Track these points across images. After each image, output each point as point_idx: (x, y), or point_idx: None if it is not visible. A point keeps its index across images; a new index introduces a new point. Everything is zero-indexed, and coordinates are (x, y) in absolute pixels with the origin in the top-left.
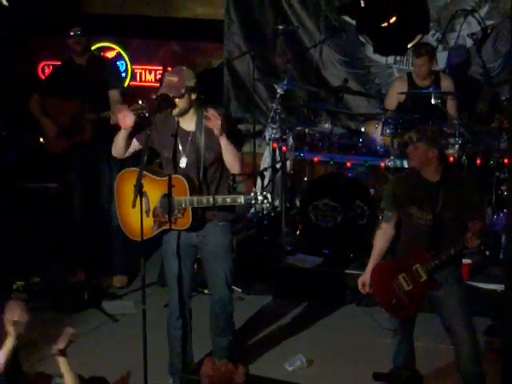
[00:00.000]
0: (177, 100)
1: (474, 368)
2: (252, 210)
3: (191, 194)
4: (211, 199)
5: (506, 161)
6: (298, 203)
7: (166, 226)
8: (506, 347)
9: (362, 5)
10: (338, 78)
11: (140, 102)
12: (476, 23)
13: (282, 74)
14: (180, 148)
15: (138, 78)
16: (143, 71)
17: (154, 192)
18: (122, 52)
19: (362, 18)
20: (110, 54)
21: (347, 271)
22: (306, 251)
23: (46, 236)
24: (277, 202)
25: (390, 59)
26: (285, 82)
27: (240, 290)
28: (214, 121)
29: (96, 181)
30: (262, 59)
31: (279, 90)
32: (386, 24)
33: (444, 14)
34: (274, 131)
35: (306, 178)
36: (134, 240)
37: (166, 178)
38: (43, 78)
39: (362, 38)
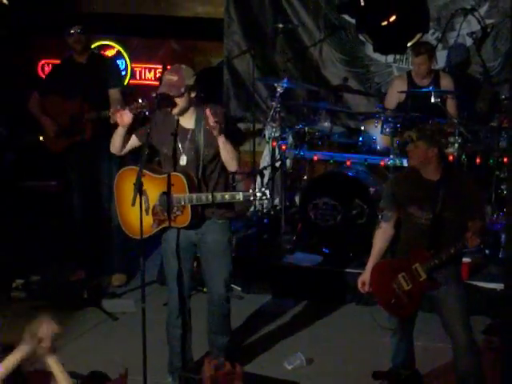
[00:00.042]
0: (177, 99)
1: (471, 368)
2: (252, 209)
3: (190, 192)
4: (210, 196)
5: (505, 160)
6: (297, 202)
7: (166, 224)
8: (504, 346)
9: (362, 3)
10: (338, 76)
11: (140, 101)
12: (476, 22)
13: (281, 72)
14: (179, 146)
15: (138, 77)
16: (143, 70)
17: (154, 190)
18: (122, 50)
19: (361, 17)
20: (110, 53)
21: (347, 270)
22: (306, 250)
23: (46, 234)
24: (276, 201)
25: (390, 58)
26: (284, 81)
27: (239, 288)
28: (213, 120)
29: (96, 180)
30: (261, 58)
31: (279, 89)
32: (385, 23)
33: (444, 13)
34: (274, 130)
35: (305, 177)
36: (133, 238)
37: (165, 176)
38: (43, 76)
39: (361, 37)
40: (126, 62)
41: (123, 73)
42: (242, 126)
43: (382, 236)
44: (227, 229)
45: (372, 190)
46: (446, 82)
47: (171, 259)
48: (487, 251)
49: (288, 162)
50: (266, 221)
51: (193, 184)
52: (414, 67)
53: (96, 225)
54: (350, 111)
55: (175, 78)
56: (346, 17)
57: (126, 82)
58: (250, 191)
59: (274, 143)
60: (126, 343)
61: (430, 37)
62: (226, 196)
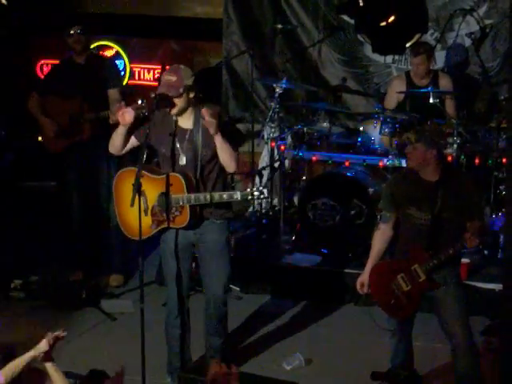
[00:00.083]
0: (175, 99)
1: (470, 369)
2: (250, 209)
3: (188, 192)
4: (208, 196)
5: (504, 160)
6: (296, 202)
7: (165, 225)
8: (503, 347)
9: (361, 4)
10: (337, 77)
11: (139, 102)
12: (475, 22)
13: (280, 73)
14: (178, 146)
15: (137, 77)
16: (142, 70)
17: (152, 191)
18: (121, 51)
19: (360, 18)
20: (109, 53)
21: (345, 270)
22: (305, 250)
23: (45, 235)
24: (275, 201)
25: (389, 58)
26: (283, 81)
27: (238, 288)
28: (209, 119)
29: (94, 180)
30: (260, 58)
31: (278, 89)
32: (384, 23)
33: (443, 14)
34: (273, 130)
35: (304, 177)
36: (132, 239)
37: (163, 176)
38: (42, 76)
39: (360, 38)
40: (124, 62)
41: (122, 73)
42: (240, 126)
43: (380, 237)
44: (225, 229)
45: (371, 190)
46: (445, 82)
47: (170, 260)
48: (486, 252)
49: (287, 162)
50: (264, 221)
51: (191, 184)
52: (412, 67)
53: (94, 225)
54: (349, 112)
55: (174, 78)
56: (345, 17)
57: (124, 83)
58: (248, 190)
59: (273, 143)
60: (125, 343)
61: (429, 37)
62: (224, 196)
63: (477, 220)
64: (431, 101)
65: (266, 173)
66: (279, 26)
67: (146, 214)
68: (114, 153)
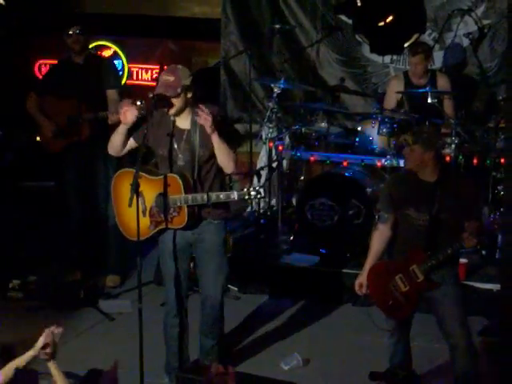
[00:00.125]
0: (173, 99)
1: (468, 369)
2: (248, 209)
3: (186, 192)
4: (205, 196)
5: (502, 160)
6: (294, 202)
7: (163, 226)
8: (502, 347)
9: (359, 4)
10: (335, 77)
11: (138, 103)
12: (473, 23)
13: (278, 73)
14: (175, 146)
15: (135, 77)
16: (140, 70)
17: (150, 192)
18: (119, 51)
19: (358, 18)
20: (107, 53)
21: (344, 270)
22: (303, 250)
23: (43, 235)
24: (273, 202)
25: (387, 58)
26: (281, 82)
27: (236, 288)
28: (205, 118)
29: (92, 180)
30: (258, 58)
31: (276, 90)
32: (382, 23)
33: (441, 14)
34: (271, 130)
35: (302, 177)
36: (130, 239)
37: (161, 177)
38: (40, 76)
39: (358, 38)
40: (122, 62)
41: (120, 73)
42: (238, 126)
43: (379, 238)
44: (222, 229)
45: (369, 190)
46: (443, 82)
47: (168, 260)
48: (484, 252)
49: (285, 162)
50: (262, 221)
51: (188, 185)
52: (410, 67)
53: (92, 225)
54: (347, 112)
55: (172, 78)
56: (343, 17)
57: (122, 83)
58: (245, 190)
59: (271, 144)
60: (123, 343)
61: (427, 37)
62: (221, 196)
63: (474, 220)
64: (429, 101)
65: (264, 173)
66: (277, 26)
67: (144, 214)
68: (113, 154)
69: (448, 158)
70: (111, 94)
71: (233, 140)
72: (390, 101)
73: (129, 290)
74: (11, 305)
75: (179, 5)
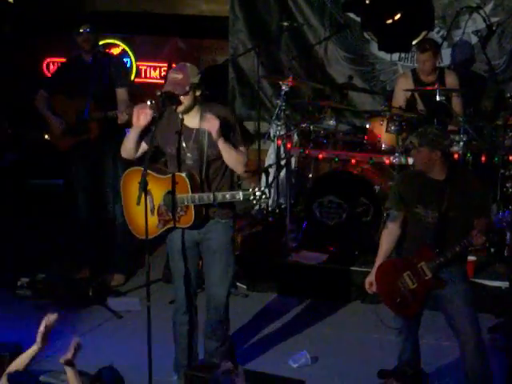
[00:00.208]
0: (182, 97)
1: (479, 366)
2: (257, 207)
3: (193, 192)
4: (211, 196)
5: (510, 158)
6: (302, 200)
7: (171, 225)
8: (510, 344)
9: (367, 1)
10: (343, 74)
11: (148, 102)
12: (481, 20)
13: (286, 70)
14: (184, 145)
15: (143, 75)
16: (148, 68)
17: (158, 190)
18: (127, 49)
19: (366, 15)
20: (115, 51)
21: (352, 268)
22: (311, 248)
23: (51, 233)
24: (281, 199)
25: (395, 56)
26: (289, 79)
27: (244, 286)
28: (212, 124)
29: (100, 179)
30: (266, 56)
31: (284, 87)
32: (390, 21)
33: (449, 11)
34: (279, 128)
35: (310, 175)
36: (138, 238)
37: (169, 176)
38: (48, 74)
39: (366, 35)
40: (131, 60)
41: (129, 72)
42: (247, 124)
43: (388, 236)
44: (230, 228)
45: (377, 188)
46: (451, 80)
47: (177, 258)
48: (492, 249)
49: (293, 160)
50: (271, 219)
51: (195, 184)
52: (419, 64)
53: (99, 224)
54: (355, 109)
55: (180, 76)
56: (351, 15)
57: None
58: (250, 190)
59: (279, 141)
60: (131, 341)
61: (435, 35)
62: (227, 196)
63: (483, 217)
64: (437, 98)
65: (272, 171)
66: (285, 24)
67: (152, 213)
68: (127, 157)
69: (456, 156)
70: (121, 93)
71: (243, 141)
72: (399, 98)
73: (137, 288)
74: (19, 303)
75: (187, 2)
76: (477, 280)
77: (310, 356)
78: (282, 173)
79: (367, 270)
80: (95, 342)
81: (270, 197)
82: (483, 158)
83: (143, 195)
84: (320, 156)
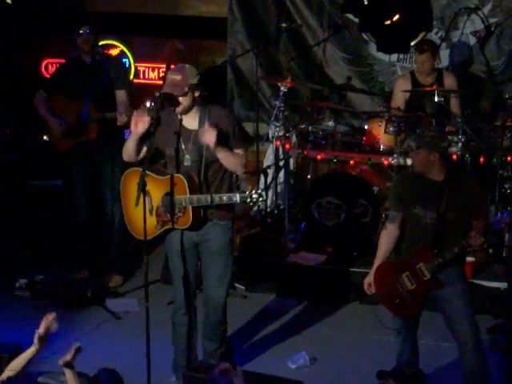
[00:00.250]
0: (180, 98)
1: (477, 367)
2: (255, 208)
3: (191, 193)
4: (209, 198)
5: (509, 159)
6: (301, 201)
7: (169, 226)
8: (509, 345)
9: (366, 2)
10: (342, 75)
11: (148, 104)
12: (479, 21)
13: (285, 71)
14: (183, 146)
15: (142, 76)
16: (146, 69)
17: (157, 191)
18: (126, 50)
19: (365, 16)
20: (114, 52)
21: (350, 269)
22: (309, 249)
23: (50, 234)
24: (280, 200)
25: (394, 57)
26: (288, 80)
27: (243, 287)
28: (209, 136)
29: (98, 180)
30: (265, 57)
31: (282, 88)
32: (389, 22)
33: (447, 12)
34: (278, 129)
35: (309, 176)
36: (137, 238)
37: (168, 177)
38: (46, 75)
39: (365, 36)
40: (129, 61)
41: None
42: (245, 125)
43: (387, 237)
44: (228, 230)
45: (375, 189)
46: (450, 81)
47: (176, 259)
48: (491, 250)
49: (292, 161)
50: (269, 220)
51: (194, 185)
52: (417, 65)
53: (98, 225)
54: (354, 110)
55: (179, 77)
56: (350, 16)
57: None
58: (247, 193)
59: (278, 142)
60: (130, 342)
61: (434, 36)
62: (224, 198)
63: (482, 218)
64: (436, 99)
65: (270, 172)
66: (284, 25)
67: (151, 214)
68: (129, 161)
69: (455, 157)
70: (120, 94)
71: (243, 143)
72: (398, 100)
73: (135, 289)
74: (18, 304)
75: (186, 4)
76: (475, 281)
77: (309, 357)
78: (281, 174)
79: (366, 271)
80: (94, 343)
81: (266, 199)
82: (482, 159)
83: (142, 196)
84: (318, 157)
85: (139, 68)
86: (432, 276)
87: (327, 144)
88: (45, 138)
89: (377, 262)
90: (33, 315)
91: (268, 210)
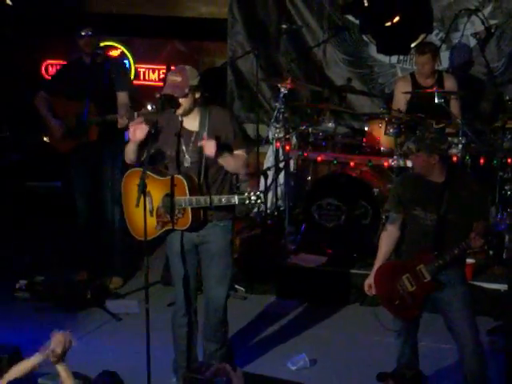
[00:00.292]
0: (181, 100)
1: (477, 369)
2: (255, 210)
3: (191, 194)
4: (208, 199)
5: (509, 160)
6: (301, 203)
7: (169, 226)
8: (509, 347)
9: (366, 4)
10: (342, 77)
11: (149, 107)
12: (480, 23)
13: (285, 73)
14: (183, 148)
15: (142, 77)
16: (147, 70)
17: (157, 192)
18: (126, 51)
19: (365, 18)
20: (114, 53)
21: (351, 271)
22: (310, 251)
23: (50, 235)
24: (280, 202)
25: (394, 59)
26: (288, 82)
27: (243, 289)
28: (208, 147)
29: (98, 182)
30: (265, 58)
31: (283, 90)
32: (389, 23)
33: (447, 14)
34: (278, 130)
35: (309, 178)
36: (137, 239)
37: (168, 178)
38: (47, 77)
39: (365, 38)
40: (129, 62)
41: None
42: (245, 126)
43: (387, 239)
44: (228, 231)
45: (376, 190)
46: (450, 83)
47: (176, 261)
48: (491, 252)
49: (292, 162)
50: (269, 222)
51: (194, 186)
52: (417, 67)
53: (97, 226)
54: (354, 112)
55: (179, 78)
56: (350, 17)
57: None
58: (246, 194)
59: (278, 144)
60: (130, 344)
61: (434, 37)
62: (223, 199)
63: (482, 220)
64: (436, 101)
65: (270, 173)
66: (284, 26)
67: (151, 214)
68: (131, 163)
69: (455, 158)
70: (122, 96)
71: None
72: (399, 101)
73: (136, 291)
74: (18, 305)
75: (186, 5)
76: (476, 283)
77: (309, 358)
78: (281, 175)
79: (366, 273)
80: (94, 345)
81: (264, 201)
82: (482, 161)
83: (142, 197)
84: (319, 158)
85: (139, 69)
86: (432, 278)
87: (327, 145)
88: (45, 139)
89: (377, 263)
90: (32, 316)
91: (268, 211)
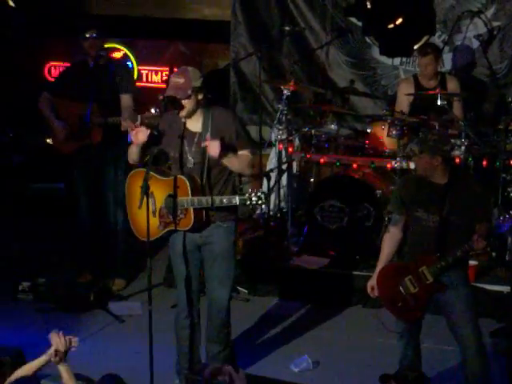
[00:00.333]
0: (184, 101)
1: (480, 371)
2: (258, 211)
3: (193, 195)
4: (209, 200)
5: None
6: (304, 204)
7: (172, 227)
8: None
9: (369, 6)
10: (345, 79)
11: (153, 111)
12: (482, 24)
13: (288, 75)
14: (186, 149)
15: (145, 79)
16: (149, 72)
17: (160, 192)
18: (129, 53)
19: (368, 20)
20: (117, 55)
21: (353, 272)
22: (312, 252)
23: (52, 237)
24: (283, 203)
25: (396, 60)
26: (291, 83)
27: (246, 291)
28: (212, 148)
29: (101, 184)
30: (268, 60)
31: (285, 91)
32: (392, 25)
33: (450, 16)
34: (281, 132)
35: (312, 179)
36: (139, 241)
37: (171, 178)
38: (50, 79)
39: (368, 40)
40: (132, 64)
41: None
42: (248, 128)
43: (390, 240)
44: (231, 232)
45: (378, 192)
46: (453, 85)
47: (179, 262)
48: (493, 254)
49: (295, 164)
50: (272, 223)
51: (196, 187)
52: (420, 68)
53: (101, 228)
54: (357, 114)
55: (182, 80)
56: (353, 19)
57: None
58: (247, 195)
59: (281, 146)
60: (133, 345)
61: (437, 39)
62: (224, 200)
63: (485, 222)
64: (439, 103)
65: (273, 175)
66: (287, 28)
67: (154, 215)
68: (134, 164)
69: (458, 160)
70: (125, 99)
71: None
72: (402, 103)
73: (139, 292)
74: (21, 307)
75: (189, 7)
76: (478, 284)
77: (312, 360)
78: (284, 177)
79: (369, 275)
80: (97, 346)
81: (265, 202)
82: (484, 163)
83: (145, 199)
84: (321, 160)
85: (142, 71)
86: (435, 279)
87: (330, 147)
88: (48, 141)
89: (380, 265)
90: (35, 318)
91: (271, 213)
